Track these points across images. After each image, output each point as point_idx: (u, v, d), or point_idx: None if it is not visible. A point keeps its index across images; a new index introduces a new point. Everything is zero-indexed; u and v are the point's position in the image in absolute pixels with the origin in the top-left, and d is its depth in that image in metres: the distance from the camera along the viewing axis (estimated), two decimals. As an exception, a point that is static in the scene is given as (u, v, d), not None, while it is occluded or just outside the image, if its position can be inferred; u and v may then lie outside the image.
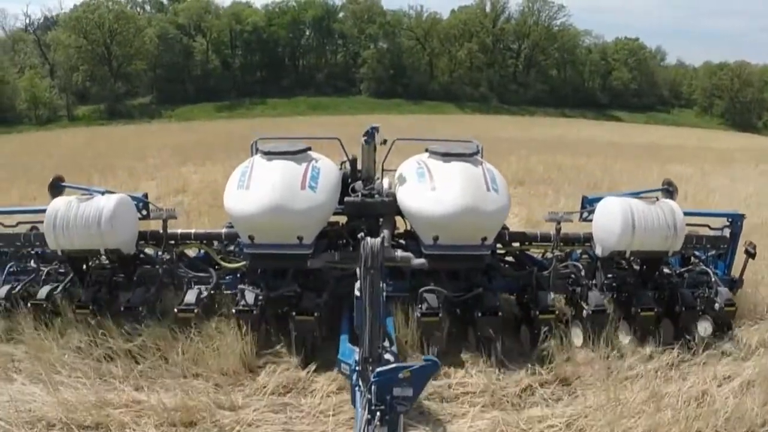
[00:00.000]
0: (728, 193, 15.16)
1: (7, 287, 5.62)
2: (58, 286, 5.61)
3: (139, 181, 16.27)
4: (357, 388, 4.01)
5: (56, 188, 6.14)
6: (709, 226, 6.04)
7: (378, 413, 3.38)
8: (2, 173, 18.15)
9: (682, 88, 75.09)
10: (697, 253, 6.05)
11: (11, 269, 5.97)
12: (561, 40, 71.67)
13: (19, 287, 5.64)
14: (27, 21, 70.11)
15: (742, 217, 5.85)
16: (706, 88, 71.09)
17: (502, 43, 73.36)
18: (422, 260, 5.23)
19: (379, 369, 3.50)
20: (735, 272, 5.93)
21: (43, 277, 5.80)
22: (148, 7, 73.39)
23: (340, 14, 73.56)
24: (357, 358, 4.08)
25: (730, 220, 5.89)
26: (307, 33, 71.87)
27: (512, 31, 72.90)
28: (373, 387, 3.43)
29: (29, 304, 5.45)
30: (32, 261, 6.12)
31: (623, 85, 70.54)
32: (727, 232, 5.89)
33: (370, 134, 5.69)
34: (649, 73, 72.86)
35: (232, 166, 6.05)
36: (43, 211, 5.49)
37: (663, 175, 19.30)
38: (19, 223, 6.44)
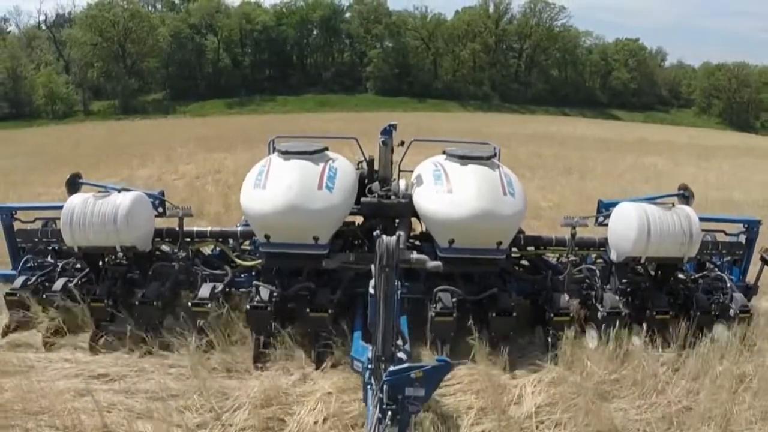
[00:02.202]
0: (688, 179, 15.43)
1: (22, 278, 5.56)
2: (72, 280, 5.51)
3: (177, 164, 17.49)
4: (369, 386, 3.93)
5: (73, 185, 6.04)
6: (724, 232, 5.83)
7: (389, 413, 3.31)
8: (44, 160, 19.65)
9: (681, 88, 74.36)
10: (712, 258, 5.85)
11: (28, 264, 5.86)
12: (562, 41, 71.10)
13: (33, 279, 5.56)
14: (43, 18, 70.13)
15: (758, 223, 5.64)
16: (704, 88, 70.26)
17: (505, 44, 72.82)
18: (437, 263, 5.07)
19: (391, 368, 3.43)
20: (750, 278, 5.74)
21: (58, 271, 5.73)
22: (159, 6, 73.24)
23: (347, 14, 73.24)
24: (370, 356, 3.98)
25: (746, 226, 5.68)
26: (315, 32, 71.52)
27: (514, 32, 72.33)
28: (384, 386, 3.36)
29: (44, 296, 5.40)
30: (49, 256, 6.00)
31: (623, 85, 69.92)
32: (743, 238, 5.69)
33: (388, 132, 5.50)
34: (649, 73, 72.20)
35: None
36: (61, 207, 5.37)
37: (636, 164, 20.92)
38: (36, 218, 6.31)
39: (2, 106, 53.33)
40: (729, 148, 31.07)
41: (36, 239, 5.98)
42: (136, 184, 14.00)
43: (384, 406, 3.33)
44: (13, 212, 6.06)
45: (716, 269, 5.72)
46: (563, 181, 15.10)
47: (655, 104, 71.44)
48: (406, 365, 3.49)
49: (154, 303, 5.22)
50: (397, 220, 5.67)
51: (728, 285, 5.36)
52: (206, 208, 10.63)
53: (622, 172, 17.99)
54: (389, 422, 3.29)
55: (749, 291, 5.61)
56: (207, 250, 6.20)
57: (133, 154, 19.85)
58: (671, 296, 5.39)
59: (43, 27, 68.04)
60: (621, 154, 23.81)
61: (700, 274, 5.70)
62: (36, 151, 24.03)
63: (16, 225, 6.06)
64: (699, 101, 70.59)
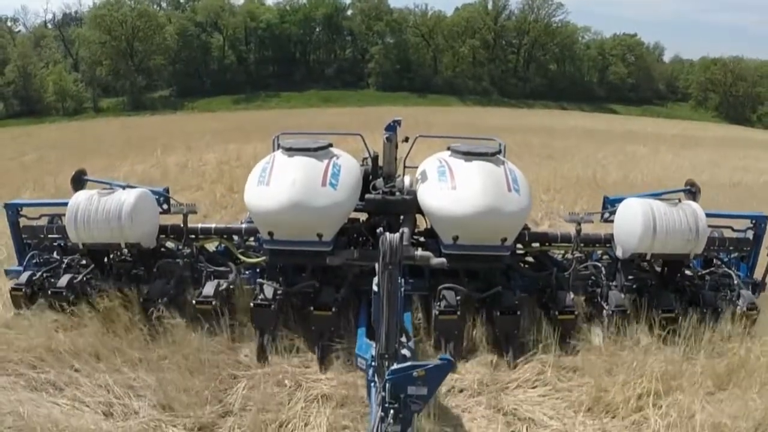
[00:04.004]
0: (662, 165, 17.71)
1: (27, 274, 5.44)
2: (77, 277, 5.39)
3: (200, 153, 18.33)
4: (372, 384, 3.83)
5: (79, 182, 5.92)
6: (732, 228, 5.64)
7: (391, 411, 3.21)
8: (70, 152, 20.39)
9: (678, 82, 73.50)
10: (719, 255, 5.64)
11: (33, 260, 5.75)
12: (560, 37, 70.39)
13: (38, 275, 5.44)
14: (51, 17, 69.79)
15: (766, 218, 5.43)
16: (700, 82, 69.27)
17: (503, 40, 72.19)
18: (442, 259, 4.91)
19: (393, 367, 3.32)
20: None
21: (63, 267, 5.60)
22: (164, 4, 72.71)
23: (349, 12, 72.72)
24: (373, 353, 3.86)
25: (753, 221, 5.48)
26: (318, 30, 70.98)
27: (512, 28, 71.62)
28: (387, 385, 3.26)
29: (49, 292, 5.28)
30: (55, 252, 5.88)
31: (620, 80, 69.20)
32: (750, 234, 5.49)
33: (392, 128, 5.32)
34: (646, 68, 71.41)
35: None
36: (66, 204, 5.26)
37: (617, 151, 21.79)
38: (42, 215, 6.20)
39: (13, 103, 53.27)
40: (714, 139, 31.42)
41: (41, 235, 5.87)
42: (169, 169, 15.20)
43: (386, 405, 3.23)
44: (19, 208, 5.94)
45: (723, 265, 5.52)
46: (543, 164, 16.32)
47: (652, 98, 70.68)
48: (408, 363, 3.38)
49: (158, 300, 5.09)
50: (401, 217, 5.51)
51: (735, 282, 5.18)
52: (238, 186, 11.55)
53: (600, 158, 18.89)
54: (391, 421, 3.19)
55: (757, 287, 5.43)
56: (211, 247, 6.05)
57: (154, 145, 20.40)
58: (678, 293, 5.20)
59: (50, 26, 67.68)
60: (605, 143, 24.59)
61: (707, 271, 5.51)
62: (59, 144, 24.38)
63: (22, 221, 5.94)
64: (695, 95, 69.75)
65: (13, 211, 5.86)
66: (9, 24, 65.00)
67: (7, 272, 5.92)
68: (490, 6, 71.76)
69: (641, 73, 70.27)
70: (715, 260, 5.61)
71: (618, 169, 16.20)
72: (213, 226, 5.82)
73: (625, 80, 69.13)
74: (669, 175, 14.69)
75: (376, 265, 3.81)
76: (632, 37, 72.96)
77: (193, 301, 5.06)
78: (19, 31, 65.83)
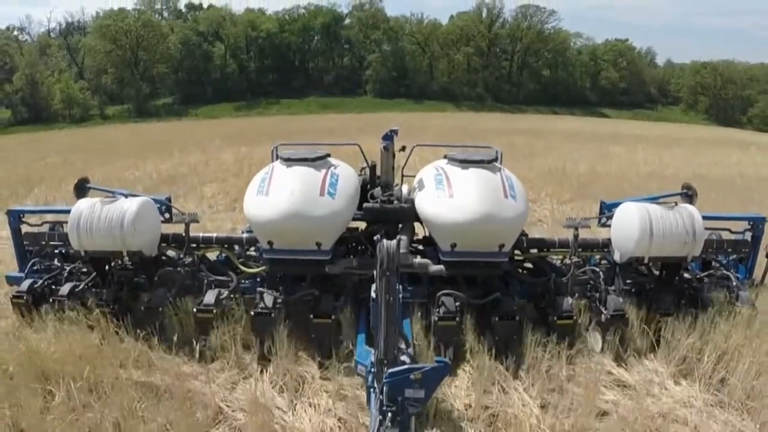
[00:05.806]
0: (635, 160, 18.79)
1: (29, 281, 5.34)
2: (79, 284, 5.30)
3: (215, 154, 19.13)
4: (372, 390, 3.76)
5: (81, 189, 5.82)
6: (730, 230, 5.54)
7: (389, 414, 3.17)
8: (90, 155, 21.05)
9: (670, 86, 73.45)
10: (717, 257, 5.55)
11: (35, 267, 5.65)
12: (552, 43, 70.46)
13: (40, 282, 5.35)
14: (57, 26, 69.78)
15: (763, 220, 5.34)
16: (691, 86, 69.27)
17: (497, 47, 72.26)
18: (440, 267, 4.83)
19: (390, 370, 3.26)
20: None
21: (65, 275, 5.51)
22: (166, 14, 72.70)
23: (347, 21, 72.74)
24: (373, 359, 3.78)
25: (751, 223, 5.39)
26: (316, 38, 71.17)
27: (506, 35, 71.71)
28: (384, 388, 3.22)
29: (51, 300, 5.19)
30: (56, 260, 5.78)
31: (611, 85, 69.24)
32: (748, 236, 5.40)
33: (389, 137, 5.22)
34: (638, 72, 71.45)
35: None
36: (68, 211, 5.17)
37: (598, 150, 22.30)
38: (44, 222, 6.14)
39: (21, 110, 53.26)
40: (696, 140, 31.67)
41: (43, 242, 5.78)
42: (193, 167, 16.06)
43: (384, 408, 3.18)
44: (21, 215, 5.86)
45: (722, 267, 5.43)
46: (521, 160, 17.14)
47: (644, 102, 70.67)
48: (405, 366, 3.32)
49: (160, 309, 4.98)
50: (400, 225, 5.42)
51: (734, 283, 5.09)
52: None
53: (577, 156, 19.52)
54: (389, 423, 3.14)
55: (756, 288, 5.32)
56: (212, 256, 5.95)
57: (169, 148, 20.98)
58: (677, 296, 5.10)
59: (53, 35, 67.63)
60: (586, 143, 25.12)
61: (706, 273, 5.41)
62: (76, 149, 24.66)
63: (24, 228, 5.86)
64: (686, 98, 69.68)
65: (15, 217, 5.78)
66: (16, 33, 65.04)
67: (8, 278, 5.82)
68: (484, 14, 71.89)
69: (633, 77, 70.34)
70: (713, 262, 5.52)
71: (589, 164, 16.98)
72: (214, 235, 5.73)
73: (617, 85, 69.18)
74: (636, 169, 16.18)
75: (374, 272, 3.73)
76: (624, 42, 73.10)
77: (194, 310, 4.95)
78: (26, 40, 65.87)
